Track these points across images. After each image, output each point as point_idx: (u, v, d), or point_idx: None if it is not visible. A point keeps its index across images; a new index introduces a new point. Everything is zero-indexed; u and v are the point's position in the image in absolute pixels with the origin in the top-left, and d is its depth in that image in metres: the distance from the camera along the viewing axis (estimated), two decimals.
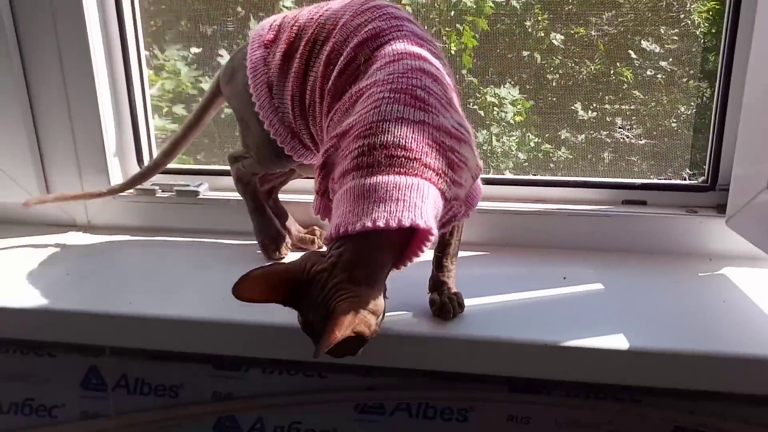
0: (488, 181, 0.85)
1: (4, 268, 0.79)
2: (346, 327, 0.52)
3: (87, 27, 0.79)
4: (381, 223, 0.52)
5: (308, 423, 0.80)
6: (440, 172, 0.56)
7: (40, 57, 0.81)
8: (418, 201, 0.54)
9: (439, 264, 0.69)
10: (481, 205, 0.80)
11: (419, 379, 0.76)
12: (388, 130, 0.55)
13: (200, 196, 0.84)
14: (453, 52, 0.89)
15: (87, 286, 0.74)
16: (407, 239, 0.56)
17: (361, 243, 0.54)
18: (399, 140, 0.55)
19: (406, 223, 0.53)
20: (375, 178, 0.54)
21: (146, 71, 0.87)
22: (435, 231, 0.55)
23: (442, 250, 0.68)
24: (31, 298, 0.72)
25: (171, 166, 0.87)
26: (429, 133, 0.57)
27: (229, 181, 0.86)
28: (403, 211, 0.53)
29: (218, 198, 0.85)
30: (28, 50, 0.81)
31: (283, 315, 0.65)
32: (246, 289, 0.56)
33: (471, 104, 0.91)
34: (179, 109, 0.95)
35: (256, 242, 0.82)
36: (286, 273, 0.57)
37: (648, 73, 0.88)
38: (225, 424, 0.82)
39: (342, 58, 0.64)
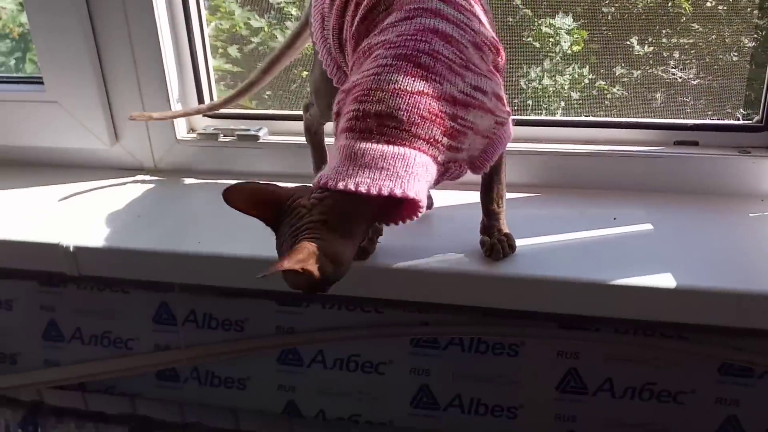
0: (539, 123, 0.86)
1: (80, 210, 0.83)
2: (295, 262, 0.55)
3: None
4: (362, 189, 0.55)
5: (366, 356, 0.84)
6: (432, 140, 0.58)
7: (106, 9, 0.83)
8: (401, 171, 0.56)
9: (486, 209, 0.70)
10: (532, 146, 0.82)
11: (472, 315, 0.79)
12: (383, 100, 0.56)
13: (260, 140, 0.86)
14: None
15: (158, 227, 0.78)
16: (393, 203, 0.58)
17: (342, 197, 0.56)
18: (391, 111, 0.56)
19: (385, 192, 0.55)
20: (365, 144, 0.56)
21: (204, 13, 0.88)
22: (422, 198, 0.57)
23: (487, 194, 0.70)
24: (107, 238, 0.77)
25: (232, 111, 0.90)
26: (426, 104, 0.57)
27: (288, 125, 0.89)
28: (384, 180, 0.55)
29: (277, 142, 0.87)
30: (94, 5, 0.84)
31: None
32: (234, 197, 0.59)
33: (526, 36, 0.90)
34: (233, 51, 0.97)
35: None
36: (273, 195, 0.60)
37: (708, 4, 0.86)
38: (288, 357, 0.87)
39: (366, 1, 0.63)
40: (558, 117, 0.90)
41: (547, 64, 0.91)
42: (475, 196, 0.77)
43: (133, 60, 0.84)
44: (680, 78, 0.88)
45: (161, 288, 0.88)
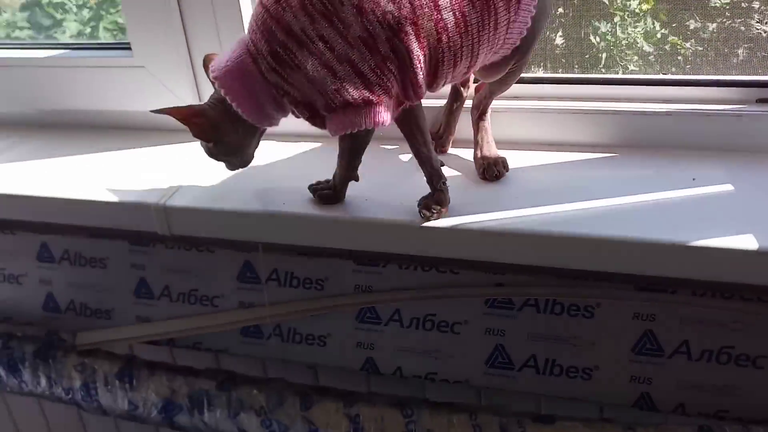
0: (615, 81, 0.85)
1: (169, 172, 0.87)
2: (178, 110, 0.70)
3: None
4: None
5: (441, 315, 0.86)
6: (256, 47, 0.65)
7: None
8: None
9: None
10: (608, 105, 0.81)
11: (547, 276, 0.80)
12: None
13: None
14: None
15: (243, 189, 0.82)
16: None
17: None
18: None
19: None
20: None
21: None
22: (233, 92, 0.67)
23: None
24: (196, 198, 0.80)
25: None
26: (262, 18, 0.64)
27: None
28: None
29: None
30: None
31: (414, 215, 0.71)
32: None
33: None
34: None
35: (396, 147, 0.87)
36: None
37: None
38: (366, 315, 0.89)
39: None
40: (633, 75, 0.89)
41: (617, 19, 0.89)
42: (550, 157, 0.78)
43: (216, 26, 0.87)
44: (764, 33, 0.84)
45: (245, 247, 0.91)
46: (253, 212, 0.77)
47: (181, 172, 0.87)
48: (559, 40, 0.90)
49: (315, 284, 0.90)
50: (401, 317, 0.88)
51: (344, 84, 0.63)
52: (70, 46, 0.99)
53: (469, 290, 0.84)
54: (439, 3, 0.63)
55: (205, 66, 0.72)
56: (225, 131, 0.71)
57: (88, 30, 2.41)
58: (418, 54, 0.64)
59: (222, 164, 0.77)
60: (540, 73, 0.90)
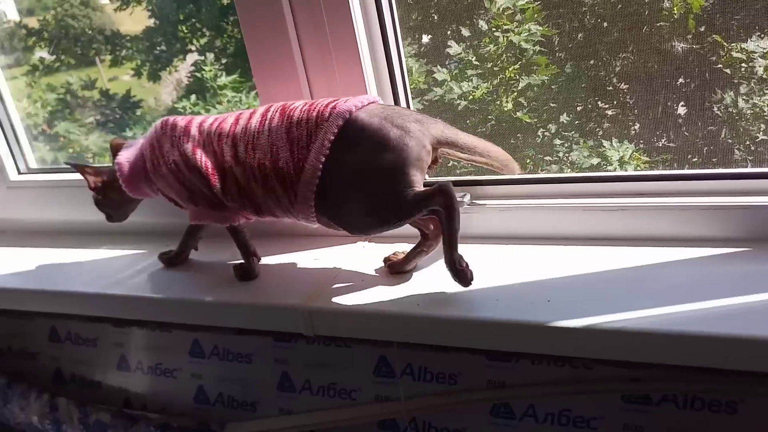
0: (746, 176, 0.84)
1: (308, 274, 0.93)
2: (84, 170, 1.01)
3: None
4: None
5: (577, 411, 0.86)
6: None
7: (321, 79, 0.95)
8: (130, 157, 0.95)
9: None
10: (741, 200, 0.81)
11: (685, 371, 0.79)
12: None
13: (465, 206, 0.92)
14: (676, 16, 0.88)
15: (377, 290, 0.86)
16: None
17: None
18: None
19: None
20: None
21: (407, 76, 0.97)
22: (125, 171, 0.95)
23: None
24: (336, 301, 0.86)
25: (434, 179, 0.97)
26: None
27: (490, 190, 0.94)
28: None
29: (482, 205, 0.93)
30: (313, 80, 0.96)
31: (547, 314, 0.73)
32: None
33: (714, 62, 0.88)
34: (416, 104, 1.05)
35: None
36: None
37: None
38: (500, 410, 0.91)
39: None
40: (761, 169, 0.88)
41: (743, 89, 0.88)
42: (681, 253, 0.78)
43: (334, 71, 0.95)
44: None
45: (381, 343, 0.95)
46: (389, 313, 0.81)
47: (321, 274, 0.93)
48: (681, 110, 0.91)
49: (448, 379, 0.93)
50: (536, 413, 0.89)
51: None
52: None
53: (605, 386, 0.84)
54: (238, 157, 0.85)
55: (112, 149, 0.99)
56: (111, 191, 1.00)
57: None
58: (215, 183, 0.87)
59: None
60: (661, 170, 0.91)
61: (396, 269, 0.89)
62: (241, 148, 0.84)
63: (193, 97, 2.56)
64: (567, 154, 1.37)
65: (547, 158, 1.31)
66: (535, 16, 1.23)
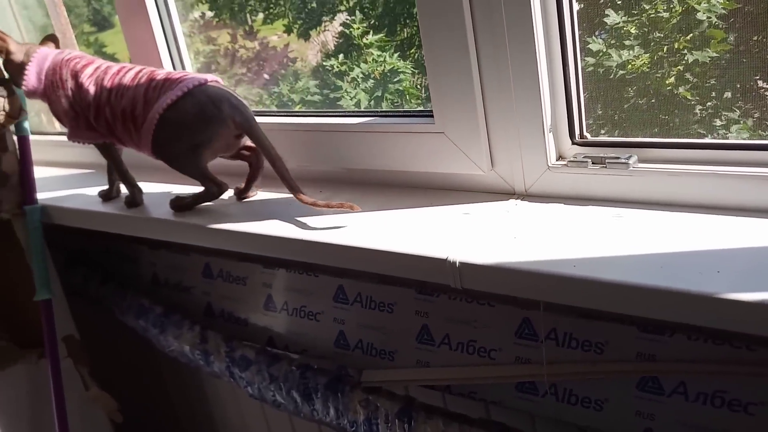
0: None
1: (462, 229, 0.92)
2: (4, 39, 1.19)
3: (533, 20, 0.88)
4: None
5: (733, 393, 0.81)
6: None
7: (492, 52, 0.92)
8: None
9: None
10: None
11: None
12: None
13: (630, 168, 0.88)
14: None
15: (531, 249, 0.84)
16: None
17: None
18: None
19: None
20: None
21: (579, 52, 0.93)
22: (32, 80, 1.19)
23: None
24: (487, 256, 0.84)
25: (601, 138, 0.93)
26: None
27: (658, 153, 0.90)
28: None
29: (647, 169, 0.88)
30: (482, 51, 0.93)
31: (717, 285, 0.69)
32: None
33: None
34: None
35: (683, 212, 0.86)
36: None
37: None
38: (648, 384, 0.87)
39: None
40: None
41: None
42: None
43: (512, 96, 0.92)
44: None
45: (525, 305, 0.94)
46: (540, 272, 0.80)
47: (473, 229, 0.92)
48: None
49: (594, 347, 0.90)
50: (687, 391, 0.85)
51: None
52: (379, 113, 1.10)
53: (766, 369, 0.79)
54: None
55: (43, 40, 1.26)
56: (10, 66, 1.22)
57: (372, 102, 2.63)
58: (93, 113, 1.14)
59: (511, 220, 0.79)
60: None
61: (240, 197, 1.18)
62: (114, 93, 1.11)
63: (341, 56, 2.60)
64: (726, 136, 1.29)
65: (700, 139, 1.24)
66: None
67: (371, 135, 1.06)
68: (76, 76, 1.15)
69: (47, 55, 1.20)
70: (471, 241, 0.88)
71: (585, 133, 0.94)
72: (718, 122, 1.27)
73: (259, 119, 1.16)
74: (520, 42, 0.89)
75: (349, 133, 1.08)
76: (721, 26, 1.08)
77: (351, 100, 2.66)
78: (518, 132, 0.94)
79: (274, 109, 1.66)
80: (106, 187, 1.29)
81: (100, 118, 1.13)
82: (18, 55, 1.19)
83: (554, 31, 0.90)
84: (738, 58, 1.08)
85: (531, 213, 0.93)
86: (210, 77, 1.09)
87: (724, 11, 1.07)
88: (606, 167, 0.89)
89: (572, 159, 0.92)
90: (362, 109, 1.17)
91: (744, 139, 1.12)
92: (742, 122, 1.26)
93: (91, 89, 1.13)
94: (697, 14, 1.17)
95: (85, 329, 1.53)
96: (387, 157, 1.06)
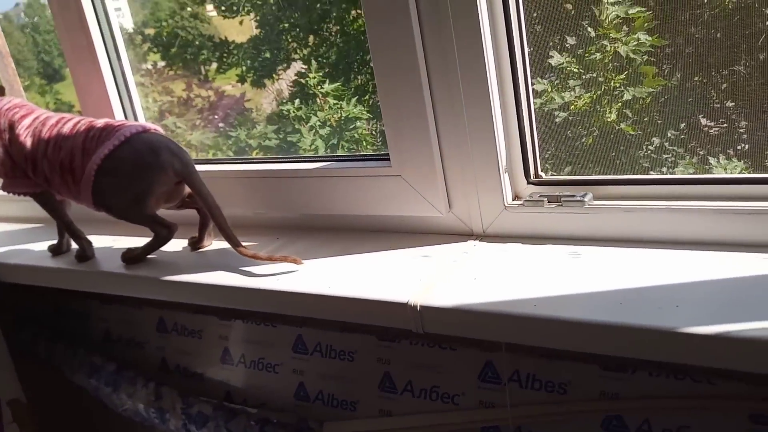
0: None
1: (421, 272, 0.91)
2: None
3: (485, 64, 0.89)
4: None
5: (697, 427, 0.81)
6: None
7: (447, 99, 0.93)
8: None
9: None
10: None
11: None
12: None
13: (586, 206, 0.89)
14: None
15: (491, 289, 0.84)
16: None
17: None
18: None
19: None
20: None
21: (531, 94, 0.94)
22: None
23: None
24: (447, 298, 0.83)
25: (555, 177, 0.94)
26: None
27: (612, 190, 0.90)
28: None
29: (603, 206, 0.89)
30: (437, 98, 0.94)
31: (677, 320, 0.69)
32: None
33: None
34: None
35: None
36: None
37: None
38: (612, 423, 0.86)
39: None
40: None
41: None
42: None
43: (467, 138, 0.92)
44: None
45: (487, 347, 0.93)
46: (502, 313, 0.79)
47: (431, 272, 0.91)
48: None
49: (558, 387, 0.89)
50: (651, 427, 0.84)
51: None
52: (336, 158, 1.09)
53: (729, 403, 0.79)
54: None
55: None
56: None
57: (328, 150, 2.65)
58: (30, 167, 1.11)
59: (469, 261, 0.79)
60: None
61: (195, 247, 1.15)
62: (51, 145, 1.08)
63: (297, 101, 2.61)
64: (672, 170, 1.33)
65: (651, 173, 1.27)
66: (645, 25, 1.20)
67: (328, 180, 1.05)
68: (12, 127, 1.12)
69: None
70: (431, 284, 0.87)
71: (540, 172, 0.95)
72: (664, 157, 1.31)
73: (214, 167, 1.14)
74: (474, 85, 0.90)
75: (307, 178, 1.08)
76: (657, 63, 1.12)
77: (309, 146, 2.66)
78: (474, 173, 0.94)
79: (231, 155, 1.64)
80: (55, 241, 1.26)
81: (38, 172, 1.11)
82: None
83: (506, 74, 0.92)
84: (683, 96, 1.12)
85: (489, 253, 0.92)
86: (149, 125, 1.08)
87: (651, 49, 1.10)
88: (562, 205, 0.90)
89: (528, 198, 0.92)
90: (319, 155, 1.17)
91: (691, 173, 1.16)
92: (687, 158, 1.30)
93: (28, 141, 1.10)
94: (628, 53, 1.21)
95: (33, 392, 1.47)
96: (345, 202, 1.05)
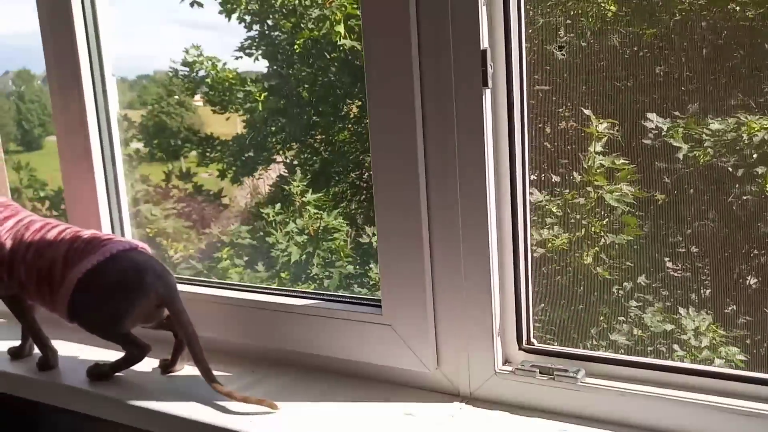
0: None
1: (401, 431, 0.89)
2: None
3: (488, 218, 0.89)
4: None
5: None
6: None
7: (446, 255, 0.93)
8: None
9: None
10: None
11: None
12: None
13: (578, 383, 0.87)
14: None
15: None
16: None
17: None
18: None
19: None
20: None
21: (530, 263, 0.94)
22: None
23: None
24: None
25: (548, 347, 0.93)
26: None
27: (607, 369, 0.89)
28: None
29: (595, 385, 0.87)
30: (436, 252, 0.93)
31: None
32: None
33: None
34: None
35: None
36: None
37: None
38: None
39: None
40: None
41: None
42: None
43: (463, 296, 0.91)
44: None
45: None
46: None
47: (411, 430, 0.88)
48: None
49: None
50: None
51: None
52: (325, 297, 1.07)
53: None
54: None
55: None
56: None
57: (304, 257, 2.63)
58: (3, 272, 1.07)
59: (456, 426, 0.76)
60: None
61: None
62: (32, 251, 1.04)
63: (277, 206, 2.62)
64: (640, 317, 1.34)
65: (620, 318, 1.28)
66: (629, 177, 1.23)
67: (315, 318, 1.03)
68: None
69: None
70: None
71: (532, 339, 0.94)
72: (633, 303, 1.32)
73: (197, 289, 1.11)
74: (474, 240, 0.90)
75: (292, 314, 1.05)
76: (635, 213, 1.15)
77: (282, 253, 2.63)
78: (467, 333, 0.93)
79: (203, 248, 1.60)
80: (17, 343, 1.20)
81: (13, 276, 1.07)
82: None
83: (507, 227, 0.91)
84: (650, 244, 1.14)
85: (476, 420, 0.89)
86: (137, 243, 1.05)
87: (633, 201, 1.14)
88: (554, 379, 0.88)
89: (520, 367, 0.90)
90: (308, 290, 1.14)
91: (658, 321, 1.18)
92: (656, 305, 1.31)
93: (8, 243, 1.07)
94: (612, 202, 1.24)
95: None
96: (329, 343, 1.03)
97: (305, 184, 2.52)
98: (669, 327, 1.26)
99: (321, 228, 2.56)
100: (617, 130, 1.16)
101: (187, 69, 2.87)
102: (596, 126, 1.17)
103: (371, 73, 0.91)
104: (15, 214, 1.11)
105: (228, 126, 2.94)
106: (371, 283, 2.29)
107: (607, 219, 1.30)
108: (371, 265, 2.24)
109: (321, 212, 2.55)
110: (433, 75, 0.89)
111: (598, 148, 1.20)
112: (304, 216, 2.52)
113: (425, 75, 0.89)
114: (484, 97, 0.87)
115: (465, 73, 0.87)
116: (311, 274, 2.41)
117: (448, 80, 0.88)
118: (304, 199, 2.40)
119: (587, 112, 1.16)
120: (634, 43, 1.11)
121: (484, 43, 0.86)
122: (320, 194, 2.49)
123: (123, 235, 1.29)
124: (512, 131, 0.89)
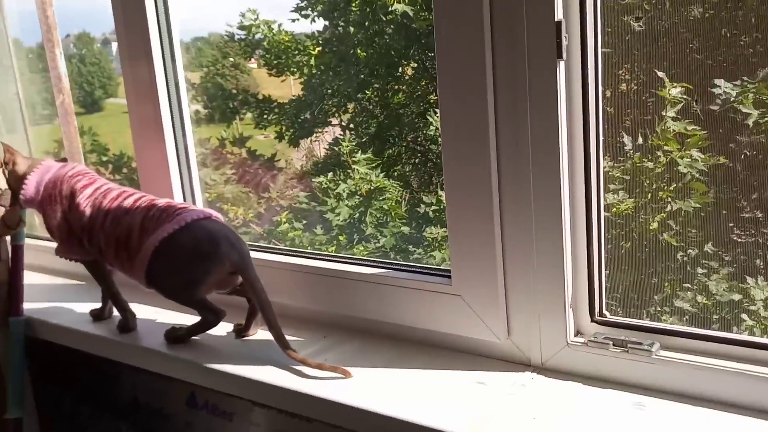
0: None
1: (475, 399, 0.90)
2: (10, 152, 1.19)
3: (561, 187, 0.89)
4: None
5: None
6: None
7: (518, 222, 0.93)
8: None
9: None
10: None
11: None
12: None
13: (653, 356, 0.87)
14: None
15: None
16: None
17: None
18: None
19: None
20: None
21: (603, 230, 0.93)
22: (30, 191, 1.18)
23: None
24: None
25: (623, 320, 0.93)
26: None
27: (684, 342, 0.88)
28: None
29: (670, 359, 0.86)
30: (506, 213, 0.94)
31: None
32: None
33: None
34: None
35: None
36: None
37: None
38: None
39: None
40: None
41: None
42: None
43: (534, 266, 0.92)
44: None
45: None
46: None
47: (487, 400, 0.90)
48: None
49: None
50: None
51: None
52: (395, 266, 1.09)
53: None
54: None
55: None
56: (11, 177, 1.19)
57: (357, 215, 2.65)
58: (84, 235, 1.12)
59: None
60: None
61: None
62: (109, 219, 1.08)
63: (330, 174, 2.64)
64: (705, 284, 1.32)
65: (686, 285, 1.26)
66: (699, 143, 1.21)
67: (385, 287, 1.05)
68: (73, 194, 1.13)
69: (50, 167, 1.18)
70: (488, 416, 0.85)
71: (604, 311, 0.94)
72: (699, 270, 1.30)
73: (268, 256, 1.14)
74: (546, 211, 0.90)
75: (362, 282, 1.07)
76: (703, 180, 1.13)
77: (334, 215, 2.66)
78: (538, 303, 0.93)
79: (262, 212, 1.63)
80: (98, 304, 1.25)
81: (93, 242, 1.11)
82: (22, 167, 1.18)
83: (580, 196, 0.91)
84: (718, 212, 1.14)
85: (549, 390, 0.90)
86: (211, 212, 1.08)
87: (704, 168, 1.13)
88: (628, 351, 0.88)
89: (592, 339, 0.91)
90: (377, 260, 1.16)
91: (724, 290, 1.16)
92: (721, 272, 1.30)
93: (87, 211, 1.11)
94: (681, 168, 1.22)
95: None
96: (399, 311, 1.04)
97: (358, 144, 2.54)
98: (736, 297, 1.24)
99: (373, 189, 2.58)
100: (690, 96, 1.14)
101: (244, 33, 2.88)
102: (669, 90, 1.14)
103: (441, 45, 0.91)
104: (92, 182, 1.15)
105: (282, 88, 2.95)
106: (425, 243, 2.30)
107: (674, 185, 1.28)
108: (429, 228, 2.25)
109: (371, 172, 2.56)
110: (506, 46, 0.88)
111: (671, 113, 1.18)
112: (354, 177, 2.53)
113: (497, 46, 0.89)
114: (558, 68, 0.86)
115: (539, 45, 0.86)
116: (366, 233, 2.44)
117: (522, 52, 0.87)
118: (354, 158, 2.41)
119: (660, 74, 1.13)
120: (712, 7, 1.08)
121: (559, 14, 0.85)
122: (369, 153, 2.50)
123: (194, 202, 1.32)
124: (587, 103, 0.88)
